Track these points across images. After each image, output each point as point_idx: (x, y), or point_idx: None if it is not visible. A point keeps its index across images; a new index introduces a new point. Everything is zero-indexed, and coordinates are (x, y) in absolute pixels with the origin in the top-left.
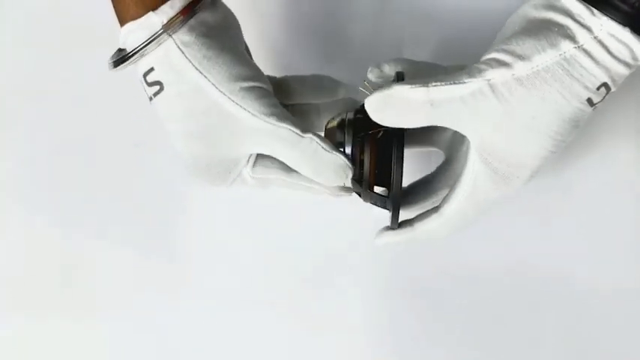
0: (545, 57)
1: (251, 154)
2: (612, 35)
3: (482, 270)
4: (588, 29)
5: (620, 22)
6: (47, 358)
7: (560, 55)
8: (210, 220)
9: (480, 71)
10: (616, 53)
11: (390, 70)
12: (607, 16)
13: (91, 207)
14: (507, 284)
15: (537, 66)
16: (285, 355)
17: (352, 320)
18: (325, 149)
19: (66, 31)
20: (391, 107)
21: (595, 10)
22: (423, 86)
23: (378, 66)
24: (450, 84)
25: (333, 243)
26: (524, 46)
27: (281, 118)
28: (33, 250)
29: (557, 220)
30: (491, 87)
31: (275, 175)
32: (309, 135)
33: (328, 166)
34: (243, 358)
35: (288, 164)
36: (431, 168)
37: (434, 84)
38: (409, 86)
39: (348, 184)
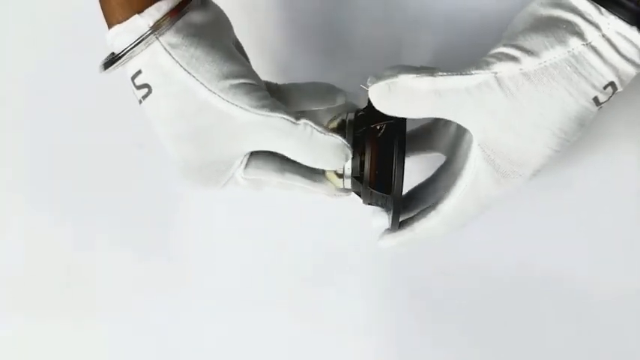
0: (553, 53)
1: (244, 155)
2: (620, 34)
3: (482, 269)
4: (597, 27)
5: (627, 21)
6: (47, 358)
7: (568, 51)
8: (211, 219)
9: (488, 64)
10: (624, 52)
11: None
12: (614, 14)
13: (93, 207)
14: (507, 284)
15: (545, 62)
16: (285, 354)
17: (352, 319)
18: (320, 132)
19: (68, 30)
20: (396, 95)
21: (602, 9)
22: (429, 75)
23: (377, 76)
24: (457, 75)
25: (333, 242)
26: (532, 41)
27: (273, 108)
28: (33, 250)
29: (558, 219)
30: (498, 80)
31: (267, 176)
32: (303, 120)
33: (325, 148)
34: (243, 357)
35: (286, 155)
36: (432, 170)
37: (440, 74)
38: (415, 75)
39: (348, 166)
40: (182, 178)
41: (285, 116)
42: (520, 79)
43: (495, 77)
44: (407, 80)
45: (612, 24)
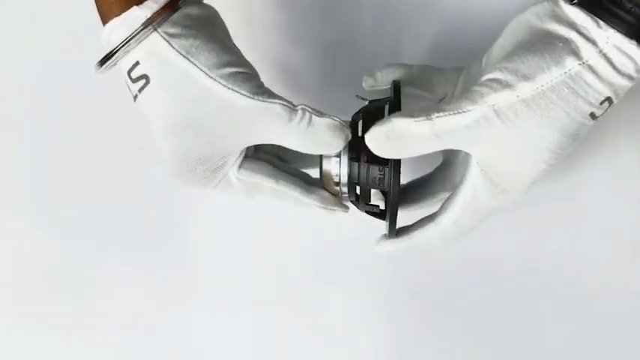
0: (550, 76)
1: (239, 155)
2: (618, 48)
3: (482, 270)
4: (593, 43)
5: (626, 35)
6: None
7: (565, 73)
8: (210, 220)
9: (483, 96)
10: (619, 66)
11: (383, 77)
12: (614, 28)
13: (93, 207)
14: (507, 284)
15: (542, 86)
16: (285, 354)
17: (352, 319)
18: (318, 115)
19: (68, 30)
20: (394, 142)
21: (601, 22)
22: (427, 119)
23: (372, 75)
24: (454, 114)
25: (333, 242)
26: (528, 64)
27: (271, 95)
28: (33, 253)
29: (559, 222)
30: (496, 112)
31: (261, 180)
32: (301, 106)
33: (324, 130)
34: (242, 357)
35: (285, 144)
36: (428, 167)
37: (437, 115)
38: (413, 120)
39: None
40: (173, 177)
41: (284, 102)
42: (518, 106)
43: (493, 109)
44: (404, 125)
45: (611, 38)
